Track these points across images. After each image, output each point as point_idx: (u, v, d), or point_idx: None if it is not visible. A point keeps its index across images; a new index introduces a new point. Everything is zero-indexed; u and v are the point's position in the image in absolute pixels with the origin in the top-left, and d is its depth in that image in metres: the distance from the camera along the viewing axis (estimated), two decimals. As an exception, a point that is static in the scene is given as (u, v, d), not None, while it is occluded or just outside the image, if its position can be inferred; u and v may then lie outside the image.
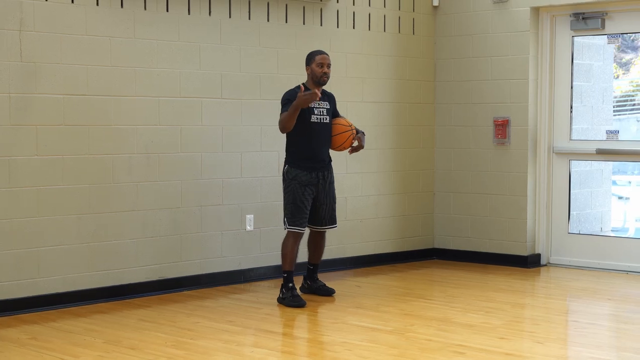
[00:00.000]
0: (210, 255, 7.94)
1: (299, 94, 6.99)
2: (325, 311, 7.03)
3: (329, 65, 7.28)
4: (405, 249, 9.43)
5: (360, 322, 6.61)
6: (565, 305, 7.48)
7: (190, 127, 7.76)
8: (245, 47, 8.09)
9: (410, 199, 9.46)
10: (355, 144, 7.50)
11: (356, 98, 8.92)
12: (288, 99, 7.15)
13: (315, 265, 7.61)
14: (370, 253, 9.15)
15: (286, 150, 7.36)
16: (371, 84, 9.07)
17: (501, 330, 6.32)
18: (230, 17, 7.98)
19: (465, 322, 6.57)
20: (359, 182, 9.00)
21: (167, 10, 7.58)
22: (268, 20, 8.24)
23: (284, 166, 7.34)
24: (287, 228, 7.25)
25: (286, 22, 8.37)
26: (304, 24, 8.51)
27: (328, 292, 7.53)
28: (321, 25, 8.64)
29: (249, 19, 8.11)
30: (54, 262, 7.02)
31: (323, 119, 7.28)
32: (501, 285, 8.07)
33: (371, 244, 9.16)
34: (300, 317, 6.86)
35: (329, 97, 7.44)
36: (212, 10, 7.86)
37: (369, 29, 9.03)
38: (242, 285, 8.02)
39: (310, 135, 7.23)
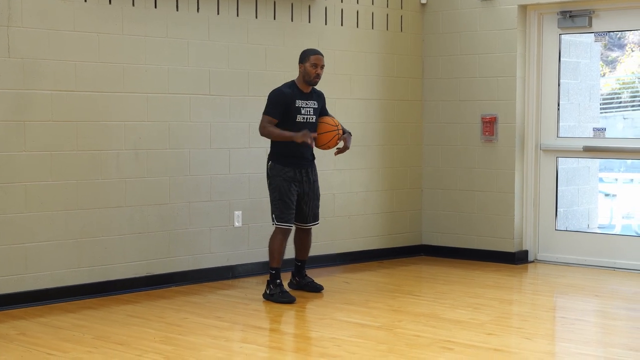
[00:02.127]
0: (198, 251, 7.94)
1: (299, 135, 7.03)
2: (314, 307, 7.03)
3: (322, 67, 7.27)
4: (393, 246, 9.45)
5: (348, 318, 6.63)
6: (553, 302, 7.51)
7: (179, 124, 7.76)
8: (234, 43, 8.09)
9: (398, 195, 9.48)
10: (341, 144, 7.50)
11: (344, 95, 8.93)
12: (276, 102, 7.15)
13: (303, 262, 7.61)
14: (359, 249, 9.16)
15: (271, 146, 7.36)
16: (359, 81, 9.08)
17: (489, 326, 6.34)
18: (218, 13, 7.98)
19: (453, 318, 6.59)
20: (347, 179, 9.01)
21: (155, 7, 7.57)
22: (256, 17, 8.24)
23: (268, 162, 7.34)
24: (276, 224, 7.25)
25: (274, 19, 8.37)
26: (292, 21, 8.51)
27: (316, 289, 7.53)
28: (309, 22, 8.65)
29: (237, 15, 8.11)
30: (42, 257, 7.01)
31: (309, 118, 7.28)
32: (489, 282, 8.10)
33: (359, 241, 9.17)
34: (289, 313, 6.87)
35: (318, 96, 7.43)
36: (200, 6, 7.85)
37: (357, 26, 9.04)
38: (230, 281, 8.02)
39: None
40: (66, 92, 7.09)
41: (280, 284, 7.21)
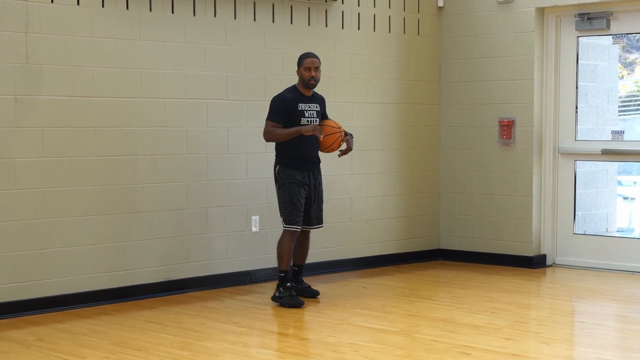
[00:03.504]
0: (215, 256, 7.95)
1: (309, 128, 7.06)
2: (331, 312, 7.02)
3: (316, 69, 7.24)
4: (410, 250, 9.43)
5: (366, 323, 6.62)
6: (571, 306, 7.47)
7: (196, 129, 7.77)
8: (251, 48, 8.10)
9: (416, 199, 9.46)
10: (344, 146, 7.48)
11: (361, 99, 8.92)
12: (278, 108, 7.15)
13: (301, 267, 7.55)
14: (376, 254, 9.14)
15: (276, 150, 7.34)
16: (376, 84, 9.07)
17: (507, 331, 6.32)
18: (235, 18, 7.98)
19: (471, 322, 6.57)
20: (364, 183, 9.00)
21: (173, 12, 7.59)
22: (273, 22, 8.24)
23: (276, 166, 7.32)
24: (285, 227, 7.23)
25: (291, 23, 8.37)
26: (309, 25, 8.51)
27: (312, 294, 7.49)
28: (326, 26, 8.64)
29: (254, 20, 8.11)
30: (60, 263, 7.03)
31: (312, 121, 7.27)
32: (507, 286, 8.07)
33: (376, 245, 9.16)
34: (306, 318, 6.87)
35: (319, 100, 7.42)
36: (217, 11, 7.86)
37: (374, 30, 9.03)
38: (247, 287, 8.02)
39: (301, 138, 7.21)
40: (84, 98, 7.12)
41: (290, 287, 7.21)
